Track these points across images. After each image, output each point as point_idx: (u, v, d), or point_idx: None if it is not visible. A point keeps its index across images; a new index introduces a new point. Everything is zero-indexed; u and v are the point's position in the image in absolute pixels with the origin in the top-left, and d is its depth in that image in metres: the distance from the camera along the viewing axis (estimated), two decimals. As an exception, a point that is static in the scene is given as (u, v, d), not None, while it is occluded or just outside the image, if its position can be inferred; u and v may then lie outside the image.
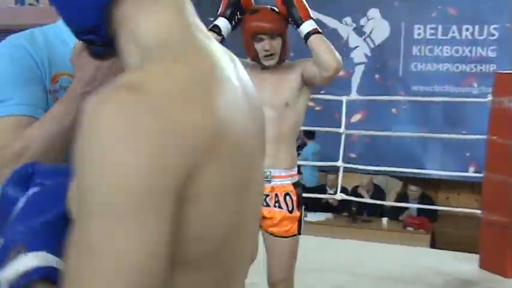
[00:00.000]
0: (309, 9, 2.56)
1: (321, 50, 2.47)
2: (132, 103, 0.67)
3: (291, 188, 2.70)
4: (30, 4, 12.59)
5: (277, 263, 2.68)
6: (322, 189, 7.53)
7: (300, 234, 2.74)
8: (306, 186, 7.15)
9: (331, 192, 7.06)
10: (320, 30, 2.51)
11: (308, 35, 2.50)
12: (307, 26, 2.51)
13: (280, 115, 2.63)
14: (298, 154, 8.92)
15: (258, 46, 2.60)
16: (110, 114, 0.66)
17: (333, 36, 9.38)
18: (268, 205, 2.68)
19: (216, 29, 2.56)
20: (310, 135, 8.59)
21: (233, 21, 2.59)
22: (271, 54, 2.60)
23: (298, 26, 2.52)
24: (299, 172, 8.23)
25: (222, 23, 2.58)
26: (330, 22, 9.40)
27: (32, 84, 1.31)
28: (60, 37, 1.40)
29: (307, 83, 2.64)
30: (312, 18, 2.53)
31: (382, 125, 7.23)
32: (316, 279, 4.22)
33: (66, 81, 1.34)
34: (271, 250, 2.70)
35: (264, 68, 2.67)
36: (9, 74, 1.30)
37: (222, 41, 2.53)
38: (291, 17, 2.53)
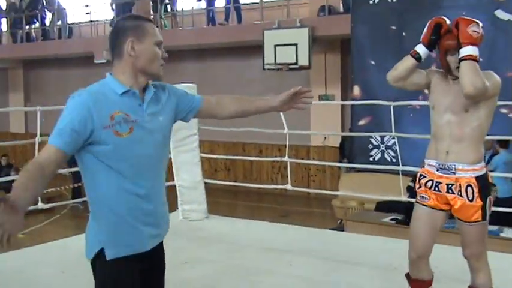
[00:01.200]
0: (474, 35, 2.93)
1: (463, 74, 2.89)
2: None
3: (473, 180, 3.05)
4: (220, 24, 13.35)
5: (466, 243, 3.17)
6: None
7: (485, 220, 3.09)
8: (498, 197, 6.71)
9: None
10: (476, 58, 2.89)
11: (462, 58, 2.91)
12: (465, 51, 2.91)
13: (462, 119, 3.04)
14: (487, 164, 8.50)
15: (451, 59, 3.05)
16: None
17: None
18: (453, 192, 3.09)
19: (416, 56, 3.14)
20: (503, 143, 8.11)
21: (433, 46, 3.14)
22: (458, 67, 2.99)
23: (460, 48, 2.95)
24: (493, 184, 7.78)
25: (422, 50, 3.14)
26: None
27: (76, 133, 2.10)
28: (112, 89, 2.22)
29: None
30: (473, 44, 2.91)
31: None
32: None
33: (119, 117, 2.14)
34: (460, 231, 3.19)
35: (454, 78, 3.08)
36: (72, 120, 2.09)
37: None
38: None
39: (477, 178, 3.06)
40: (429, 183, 3.16)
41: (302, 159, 12.06)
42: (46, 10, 16.50)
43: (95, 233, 2.24)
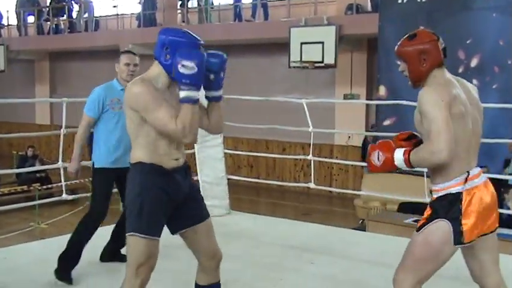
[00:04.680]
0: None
1: None
2: None
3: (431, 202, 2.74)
4: (247, 20, 13.35)
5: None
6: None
7: (419, 230, 2.69)
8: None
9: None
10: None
11: None
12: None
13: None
14: (505, 168, 8.43)
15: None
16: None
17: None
18: None
19: None
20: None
21: None
22: None
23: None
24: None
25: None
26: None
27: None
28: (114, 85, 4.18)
29: None
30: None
31: None
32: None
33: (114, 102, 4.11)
34: None
35: None
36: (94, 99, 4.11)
37: None
38: None
39: (433, 200, 2.71)
40: None
41: (325, 158, 12.05)
42: (73, 2, 16.66)
43: None
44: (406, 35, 2.87)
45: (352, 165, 12.15)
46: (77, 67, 17.45)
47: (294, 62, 11.72)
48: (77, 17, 16.66)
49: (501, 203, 7.39)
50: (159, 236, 2.77)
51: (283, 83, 13.17)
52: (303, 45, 11.51)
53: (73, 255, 4.10)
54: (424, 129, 2.59)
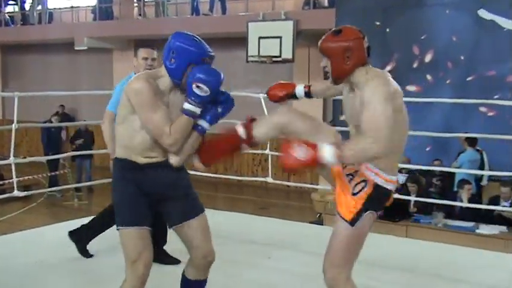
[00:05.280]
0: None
1: None
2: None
3: (372, 182, 2.68)
4: (204, 14, 13.27)
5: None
6: (495, 200, 7.11)
7: (352, 225, 2.67)
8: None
9: (506, 204, 6.65)
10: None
11: None
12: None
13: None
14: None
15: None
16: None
17: (509, 38, 8.84)
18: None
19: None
20: (470, 141, 8.21)
21: None
22: None
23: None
24: (468, 182, 7.86)
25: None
26: (505, 23, 8.93)
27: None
28: None
29: None
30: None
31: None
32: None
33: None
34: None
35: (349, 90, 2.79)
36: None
37: None
38: None
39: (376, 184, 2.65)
40: None
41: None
42: (26, -6, 16.31)
43: None
44: (331, 31, 2.79)
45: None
46: (30, 60, 17.05)
47: (252, 56, 11.71)
48: (30, 9, 16.30)
49: (455, 197, 7.54)
50: (143, 225, 2.77)
51: (242, 77, 13.15)
52: (261, 40, 11.51)
53: (94, 231, 4.30)
54: (362, 121, 2.50)
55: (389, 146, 2.46)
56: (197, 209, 2.93)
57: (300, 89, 3.26)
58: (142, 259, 2.74)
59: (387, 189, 2.66)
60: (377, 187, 2.64)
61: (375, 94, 2.48)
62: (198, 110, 2.67)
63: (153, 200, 2.82)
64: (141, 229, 2.76)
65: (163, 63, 2.73)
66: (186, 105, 2.65)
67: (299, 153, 2.46)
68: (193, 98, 2.64)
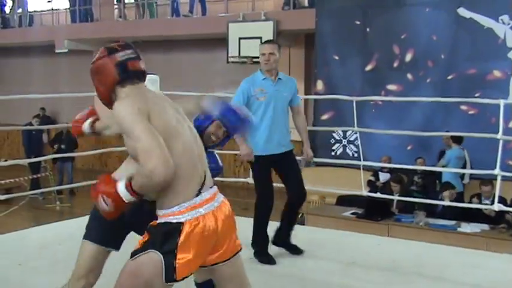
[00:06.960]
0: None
1: None
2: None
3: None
4: (184, 16, 13.22)
5: None
6: (477, 198, 7.16)
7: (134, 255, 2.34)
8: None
9: (487, 202, 6.70)
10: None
11: None
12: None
13: None
14: (438, 160, 8.69)
15: None
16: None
17: (489, 37, 8.91)
18: None
19: None
20: (456, 139, 8.28)
21: None
22: None
23: None
24: (452, 186, 7.90)
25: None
26: (485, 21, 8.98)
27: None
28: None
29: None
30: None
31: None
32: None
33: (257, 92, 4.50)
34: None
35: None
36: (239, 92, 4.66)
37: None
38: None
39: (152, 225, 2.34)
40: None
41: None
42: (6, -4, 16.14)
43: None
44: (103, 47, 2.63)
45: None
46: (10, 64, 16.88)
47: (232, 57, 11.70)
48: (10, 12, 16.13)
49: (437, 196, 7.57)
50: (109, 247, 2.74)
51: (222, 78, 13.10)
52: (241, 41, 11.50)
53: (262, 237, 4.47)
54: (133, 150, 2.22)
55: (172, 165, 2.19)
56: None
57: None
58: (89, 279, 2.71)
59: (170, 222, 2.32)
60: (159, 223, 2.36)
61: (122, 118, 2.29)
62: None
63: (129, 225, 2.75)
64: (104, 249, 2.72)
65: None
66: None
67: (105, 206, 2.26)
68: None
